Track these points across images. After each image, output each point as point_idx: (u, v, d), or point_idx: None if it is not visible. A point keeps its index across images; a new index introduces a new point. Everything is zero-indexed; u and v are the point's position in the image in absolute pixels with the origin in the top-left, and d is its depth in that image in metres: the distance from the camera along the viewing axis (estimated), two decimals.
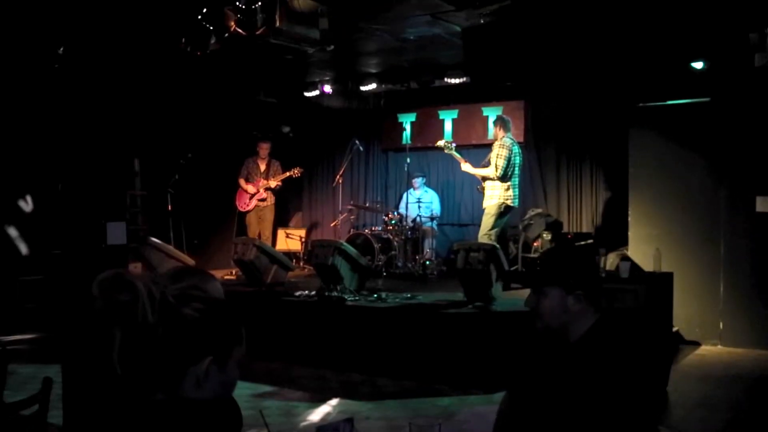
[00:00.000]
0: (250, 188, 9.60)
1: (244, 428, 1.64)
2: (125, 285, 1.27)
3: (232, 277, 8.96)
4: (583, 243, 8.29)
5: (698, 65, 7.35)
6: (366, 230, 9.44)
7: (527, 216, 8.89)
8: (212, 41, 6.63)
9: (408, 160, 9.71)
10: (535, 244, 8.68)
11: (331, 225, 10.68)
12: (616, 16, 6.66)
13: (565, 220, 9.29)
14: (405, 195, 9.76)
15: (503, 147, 7.78)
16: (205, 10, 6.54)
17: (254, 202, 9.61)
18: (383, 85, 9.95)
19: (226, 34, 6.50)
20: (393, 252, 9.04)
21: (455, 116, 10.28)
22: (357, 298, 6.94)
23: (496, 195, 7.78)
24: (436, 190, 10.24)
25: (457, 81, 9.31)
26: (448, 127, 10.28)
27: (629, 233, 7.49)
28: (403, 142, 10.15)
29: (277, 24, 6.20)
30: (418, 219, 9.21)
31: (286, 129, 11.31)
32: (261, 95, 10.47)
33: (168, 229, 9.23)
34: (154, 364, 1.30)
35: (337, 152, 10.95)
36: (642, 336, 5.38)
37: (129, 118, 8.84)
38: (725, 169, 7.03)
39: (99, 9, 6.61)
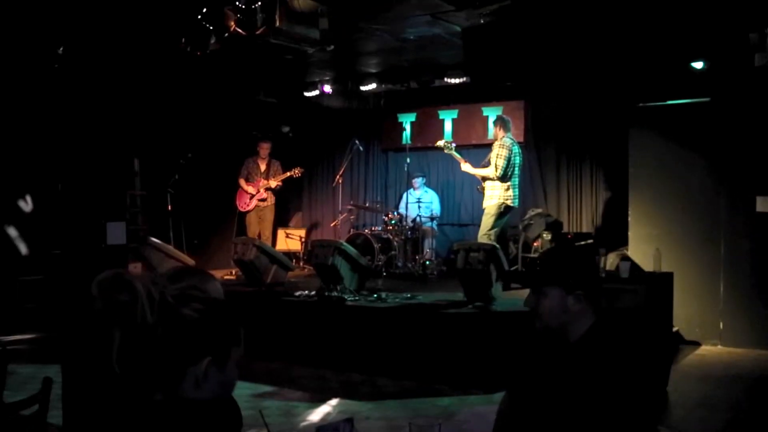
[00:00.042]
0: (250, 188, 9.60)
1: (244, 428, 1.64)
2: (124, 285, 1.27)
3: (232, 277, 8.96)
4: (583, 243, 8.29)
5: (698, 65, 7.35)
6: (366, 230, 9.44)
7: (527, 216, 8.89)
8: (212, 41, 6.63)
9: (408, 160, 9.71)
10: (535, 244, 8.68)
11: (331, 225, 10.68)
12: (615, 16, 6.66)
13: (565, 220, 9.29)
14: (405, 195, 9.76)
15: (503, 147, 7.78)
16: (205, 10, 6.54)
17: (254, 202, 9.61)
18: (383, 85, 9.95)
19: (226, 34, 6.50)
20: (393, 252, 9.04)
21: (455, 116, 10.28)
22: (357, 298, 6.94)
23: (496, 195, 7.78)
24: (436, 190, 10.24)
25: (457, 81, 9.31)
26: (448, 127, 10.28)
27: (629, 233, 7.49)
28: (403, 142, 10.16)
29: (277, 24, 6.20)
30: (418, 219, 9.21)
31: (286, 129, 11.32)
32: (261, 95, 10.48)
33: (168, 229, 9.23)
34: (153, 365, 1.30)
35: (337, 152, 10.95)
36: (642, 336, 5.39)
37: (129, 118, 8.84)
38: (725, 169, 7.03)
39: (99, 9, 6.61)
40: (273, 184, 9.60)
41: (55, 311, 7.49)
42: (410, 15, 7.00)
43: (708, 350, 6.95)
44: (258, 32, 6.27)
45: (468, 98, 10.04)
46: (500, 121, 8.10)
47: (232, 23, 6.40)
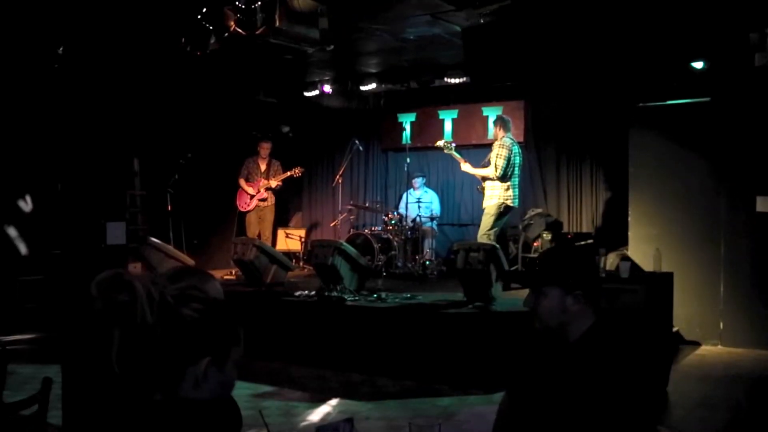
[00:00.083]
0: (250, 189, 9.60)
1: (244, 428, 1.64)
2: (124, 285, 1.27)
3: (231, 277, 8.96)
4: (583, 243, 8.29)
5: (698, 65, 7.35)
6: (366, 230, 9.44)
7: (527, 216, 8.89)
8: (212, 41, 6.63)
9: (408, 160, 9.71)
10: (535, 244, 8.68)
11: (331, 225, 10.68)
12: (616, 16, 6.66)
13: (565, 220, 9.29)
14: (405, 195, 9.76)
15: (503, 147, 7.77)
16: (204, 10, 6.53)
17: (255, 202, 9.61)
18: (383, 85, 9.95)
19: (226, 34, 6.49)
20: (393, 252, 9.04)
21: (455, 116, 10.28)
22: (357, 298, 6.94)
23: (495, 195, 7.78)
24: (436, 190, 10.24)
25: (457, 81, 9.31)
26: (447, 127, 10.28)
27: (629, 233, 7.49)
28: (403, 142, 10.15)
29: (277, 24, 6.20)
30: (417, 219, 9.21)
31: (286, 129, 11.32)
32: (261, 95, 10.48)
33: (168, 229, 9.23)
34: (152, 365, 1.30)
35: (336, 152, 10.95)
36: (642, 336, 5.39)
37: (128, 117, 8.84)
38: (725, 169, 7.03)
39: (99, 9, 6.61)
40: (273, 183, 9.60)
41: (55, 311, 7.49)
42: (410, 15, 7.00)
43: (708, 350, 6.95)
44: (258, 32, 6.27)
45: (468, 98, 10.04)
46: (500, 121, 8.10)
47: (232, 23, 6.40)
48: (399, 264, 9.02)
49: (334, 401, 5.52)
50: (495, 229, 7.78)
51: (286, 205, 11.38)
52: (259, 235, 9.38)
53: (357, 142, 10.09)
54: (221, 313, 1.40)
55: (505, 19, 6.83)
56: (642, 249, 7.21)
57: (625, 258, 6.96)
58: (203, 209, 9.94)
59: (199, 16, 6.55)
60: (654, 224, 7.32)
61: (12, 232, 7.89)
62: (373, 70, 9.79)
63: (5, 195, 7.96)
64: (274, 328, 6.84)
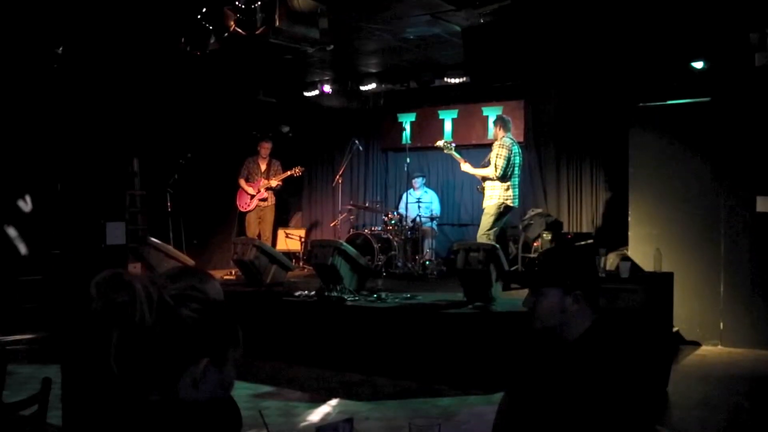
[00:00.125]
0: (250, 189, 9.60)
1: (244, 428, 1.64)
2: (123, 285, 1.27)
3: (231, 277, 8.96)
4: (583, 243, 8.28)
5: (698, 65, 7.35)
6: (366, 230, 9.44)
7: (527, 216, 8.89)
8: (212, 41, 6.63)
9: (408, 160, 9.71)
10: (535, 244, 8.68)
11: (331, 225, 10.68)
12: (616, 16, 6.65)
13: (565, 220, 9.29)
14: (405, 195, 9.76)
15: (503, 147, 7.77)
16: (204, 10, 6.53)
17: (255, 202, 9.61)
18: (383, 85, 9.95)
19: (226, 34, 6.49)
20: (393, 252, 9.04)
21: (455, 116, 10.28)
22: (357, 298, 6.94)
23: (495, 195, 7.77)
24: (436, 190, 10.24)
25: (457, 81, 9.31)
26: (447, 126, 10.28)
27: (629, 233, 7.49)
28: (403, 142, 10.16)
29: (277, 24, 6.19)
30: (417, 219, 9.21)
31: (286, 129, 11.31)
32: (261, 95, 10.47)
33: (167, 229, 9.23)
34: (151, 365, 1.30)
35: (336, 152, 10.95)
36: (641, 336, 5.38)
37: (128, 117, 8.83)
38: (725, 169, 7.03)
39: (98, 9, 6.61)
40: (273, 183, 9.60)
41: (55, 311, 7.48)
42: (410, 15, 6.99)
43: (708, 350, 6.95)
44: (258, 32, 6.27)
45: (468, 98, 10.04)
46: (500, 121, 8.09)
47: (232, 23, 6.40)
48: (399, 264, 9.02)
49: (334, 401, 5.52)
50: (495, 229, 7.78)
51: (286, 205, 11.38)
52: (259, 235, 9.38)
53: (357, 142, 10.09)
54: (220, 314, 1.40)
55: (505, 19, 6.83)
56: (642, 249, 7.21)
57: (625, 258, 6.96)
58: (203, 209, 9.94)
59: (199, 16, 6.55)
60: (654, 224, 7.32)
61: (12, 232, 7.88)
62: (373, 70, 9.79)
63: (5, 195, 7.96)
64: (274, 328, 6.84)
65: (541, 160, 9.58)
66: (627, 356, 2.12)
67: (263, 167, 9.67)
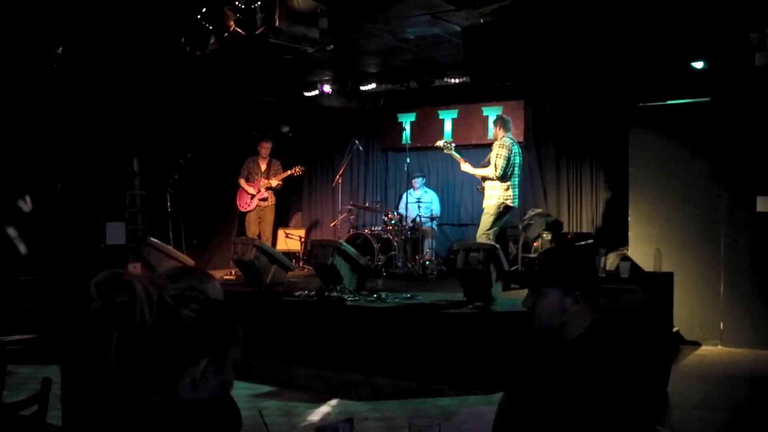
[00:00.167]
0: (251, 188, 9.60)
1: (244, 428, 1.64)
2: (123, 285, 1.27)
3: (231, 277, 8.96)
4: (583, 243, 8.28)
5: (698, 65, 7.35)
6: (366, 230, 9.44)
7: (527, 216, 8.89)
8: (212, 41, 6.62)
9: (408, 160, 9.71)
10: (535, 244, 8.68)
11: (331, 225, 10.68)
12: (616, 15, 6.65)
13: (565, 220, 9.29)
14: (405, 195, 9.76)
15: (503, 147, 7.77)
16: (204, 10, 6.53)
17: (255, 201, 9.61)
18: (383, 85, 9.95)
19: (226, 34, 6.49)
20: (393, 252, 9.04)
21: (455, 116, 10.28)
22: (357, 298, 6.94)
23: (495, 195, 7.77)
24: (436, 190, 10.24)
25: (457, 81, 9.31)
26: (447, 126, 10.28)
27: (629, 233, 7.49)
28: (403, 142, 10.16)
29: (277, 23, 6.19)
30: (417, 219, 9.21)
31: (286, 129, 11.31)
32: (261, 95, 10.47)
33: (167, 229, 9.23)
34: (151, 365, 1.30)
35: (336, 152, 10.95)
36: (641, 336, 5.38)
37: (128, 117, 8.83)
38: (725, 169, 7.03)
39: (98, 9, 6.61)
40: (274, 183, 9.60)
41: (55, 311, 7.48)
42: (410, 15, 6.99)
43: (708, 350, 6.94)
44: (257, 32, 6.27)
45: (468, 98, 10.04)
46: (500, 121, 8.09)
47: (232, 23, 6.40)
48: (399, 264, 9.02)
49: (334, 401, 5.52)
50: (494, 229, 7.78)
51: (286, 205, 11.38)
52: (259, 235, 9.38)
53: (357, 142, 10.09)
54: (220, 314, 1.40)
55: (505, 19, 6.83)
56: (642, 249, 7.21)
57: (625, 258, 6.95)
58: (203, 209, 9.94)
59: (199, 16, 6.55)
60: (654, 224, 7.32)
61: (12, 232, 7.88)
62: (373, 70, 9.78)
63: (5, 195, 7.96)
64: (274, 328, 6.84)
65: (541, 160, 9.58)
66: (627, 356, 2.12)
67: (263, 167, 9.67)
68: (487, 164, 7.87)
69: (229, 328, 1.41)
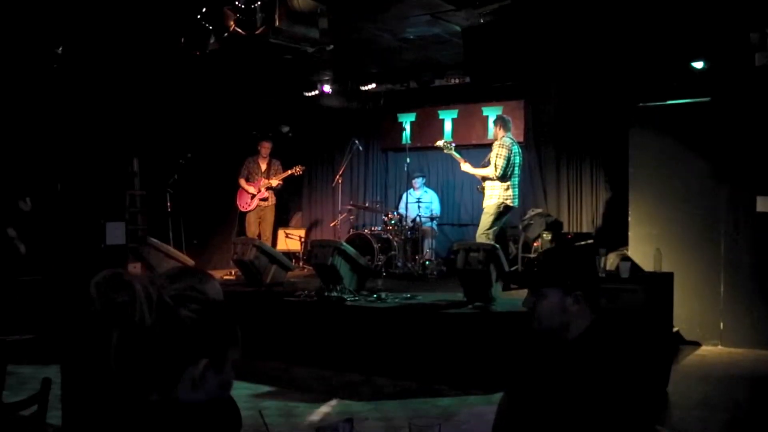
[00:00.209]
0: (251, 188, 9.60)
1: (244, 428, 1.64)
2: (123, 286, 1.27)
3: (231, 277, 8.96)
4: (583, 243, 8.28)
5: (698, 65, 7.34)
6: (366, 230, 9.44)
7: (527, 216, 8.89)
8: (211, 41, 6.63)
9: (408, 160, 9.71)
10: (535, 244, 8.68)
11: (331, 225, 10.68)
12: (616, 15, 6.65)
13: (565, 220, 9.29)
14: (405, 195, 9.76)
15: (503, 147, 7.77)
16: (204, 10, 6.53)
17: (256, 201, 9.61)
18: (383, 85, 9.95)
19: (226, 34, 6.49)
20: (393, 252, 9.04)
21: (455, 116, 10.28)
22: (356, 298, 6.94)
23: (495, 195, 7.77)
24: (436, 190, 10.24)
25: (457, 81, 9.30)
26: (447, 126, 10.28)
27: (629, 233, 7.49)
28: (403, 141, 10.16)
29: (277, 23, 6.19)
30: (417, 219, 9.21)
31: (285, 128, 11.31)
32: (261, 95, 10.46)
33: (167, 229, 9.23)
34: (150, 365, 1.30)
35: (336, 152, 10.95)
36: (641, 336, 5.38)
37: (128, 117, 8.83)
38: (725, 169, 7.03)
39: (98, 9, 6.61)
40: (274, 182, 9.60)
41: (55, 311, 7.48)
42: (410, 15, 6.99)
43: (708, 350, 6.94)
44: (257, 32, 6.27)
45: (468, 98, 10.04)
46: (500, 121, 8.09)
47: (232, 23, 6.40)
48: (399, 264, 9.02)
49: (333, 401, 5.52)
50: (494, 229, 7.77)
51: (287, 205, 11.38)
52: (259, 235, 9.38)
53: (357, 142, 10.09)
54: (220, 314, 1.40)
55: (504, 19, 6.83)
56: (642, 249, 7.21)
57: (625, 258, 6.95)
58: (203, 209, 9.94)
59: (198, 16, 6.55)
60: (654, 224, 7.32)
61: (12, 232, 7.88)
62: (373, 70, 9.78)
63: (5, 195, 7.96)
64: (274, 328, 6.84)
65: (541, 160, 9.58)
66: (627, 356, 2.12)
67: (263, 167, 9.67)
68: (487, 164, 7.87)
69: (228, 328, 1.40)
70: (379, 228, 9.44)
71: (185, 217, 9.50)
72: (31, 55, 7.46)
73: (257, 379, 5.96)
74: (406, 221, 9.29)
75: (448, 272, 8.63)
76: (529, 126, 9.66)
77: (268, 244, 8.81)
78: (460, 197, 10.33)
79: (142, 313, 1.25)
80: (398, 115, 10.74)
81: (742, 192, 6.92)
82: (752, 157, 6.88)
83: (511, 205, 7.83)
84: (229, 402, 1.57)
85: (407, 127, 10.60)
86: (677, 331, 7.02)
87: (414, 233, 9.20)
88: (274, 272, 7.84)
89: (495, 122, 8.21)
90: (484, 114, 9.96)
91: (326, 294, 6.96)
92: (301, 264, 10.11)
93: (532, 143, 9.60)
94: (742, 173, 6.94)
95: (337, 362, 6.39)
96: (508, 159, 7.72)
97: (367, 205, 10.38)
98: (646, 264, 6.80)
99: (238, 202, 9.73)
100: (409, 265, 8.95)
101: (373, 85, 9.88)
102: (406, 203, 9.51)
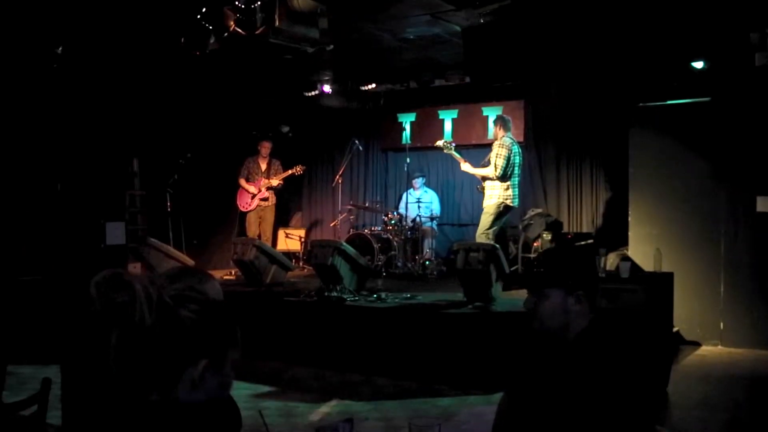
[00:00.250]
0: (251, 188, 9.60)
1: (244, 428, 1.64)
2: (122, 286, 1.27)
3: (231, 277, 8.96)
4: (583, 243, 8.28)
5: (698, 65, 7.35)
6: (366, 230, 9.44)
7: (527, 216, 8.89)
8: (211, 41, 6.62)
9: (408, 160, 9.71)
10: (535, 244, 8.68)
11: (331, 225, 10.68)
12: (616, 15, 6.65)
13: (565, 220, 9.29)
14: (405, 195, 9.76)
15: (503, 146, 7.77)
16: (204, 10, 6.53)
17: (256, 201, 9.60)
18: (383, 85, 9.95)
19: (226, 34, 6.49)
20: (393, 252, 9.04)
21: (455, 116, 10.28)
22: (356, 298, 6.94)
23: (495, 195, 7.77)
24: (436, 190, 10.24)
25: (457, 81, 9.30)
26: (447, 126, 10.28)
27: (629, 233, 7.49)
28: (403, 141, 10.16)
29: (277, 23, 6.19)
30: (417, 219, 9.21)
31: (285, 128, 11.31)
32: (261, 95, 10.46)
33: (167, 229, 9.23)
34: (150, 366, 1.30)
35: (336, 152, 10.96)
36: (641, 336, 5.38)
37: (128, 117, 8.83)
38: (725, 169, 7.03)
39: (98, 9, 6.61)
40: (274, 182, 9.60)
41: (55, 311, 7.48)
42: (410, 15, 6.99)
43: (708, 350, 6.94)
44: (257, 32, 6.27)
45: (468, 98, 10.04)
46: (500, 121, 8.09)
47: (232, 23, 6.40)
48: (399, 264, 9.02)
49: (333, 401, 5.52)
50: (494, 229, 7.77)
51: (287, 205, 11.38)
52: (259, 236, 9.38)
53: (357, 142, 10.09)
54: (220, 314, 1.40)
55: (504, 19, 6.83)
56: (642, 249, 7.21)
57: (625, 258, 6.95)
58: (203, 209, 9.94)
59: (198, 16, 6.55)
60: (654, 224, 7.32)
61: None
62: (373, 70, 9.78)
63: (5, 195, 7.96)
64: (274, 328, 6.84)
65: (541, 160, 9.58)
66: (626, 356, 2.12)
67: (263, 167, 9.67)
68: (487, 164, 7.87)
69: (228, 328, 1.40)
70: (379, 228, 9.44)
71: (185, 217, 9.50)
72: (31, 55, 7.46)
73: (257, 379, 5.96)
74: (406, 221, 9.29)
75: (448, 272, 8.63)
76: (529, 126, 9.66)
77: (268, 244, 8.81)
78: (460, 197, 10.33)
79: (142, 313, 1.25)
80: (398, 115, 10.74)
81: (742, 192, 6.92)
82: (752, 157, 6.88)
83: (511, 205, 7.83)
84: (229, 402, 1.57)
85: (407, 127, 10.60)
86: (677, 331, 7.02)
87: (414, 233, 9.20)
88: (274, 272, 7.84)
89: (495, 122, 8.21)
90: (484, 114, 9.96)
91: (326, 294, 6.96)
92: (301, 264, 10.11)
93: (532, 143, 9.60)
94: (742, 173, 6.94)
95: (337, 362, 6.39)
96: (508, 159, 7.72)
97: (367, 205, 10.38)
98: (646, 264, 6.81)
99: (238, 202, 9.73)
100: (409, 265, 8.94)
101: (373, 85, 9.88)
102: (406, 203, 9.51)
